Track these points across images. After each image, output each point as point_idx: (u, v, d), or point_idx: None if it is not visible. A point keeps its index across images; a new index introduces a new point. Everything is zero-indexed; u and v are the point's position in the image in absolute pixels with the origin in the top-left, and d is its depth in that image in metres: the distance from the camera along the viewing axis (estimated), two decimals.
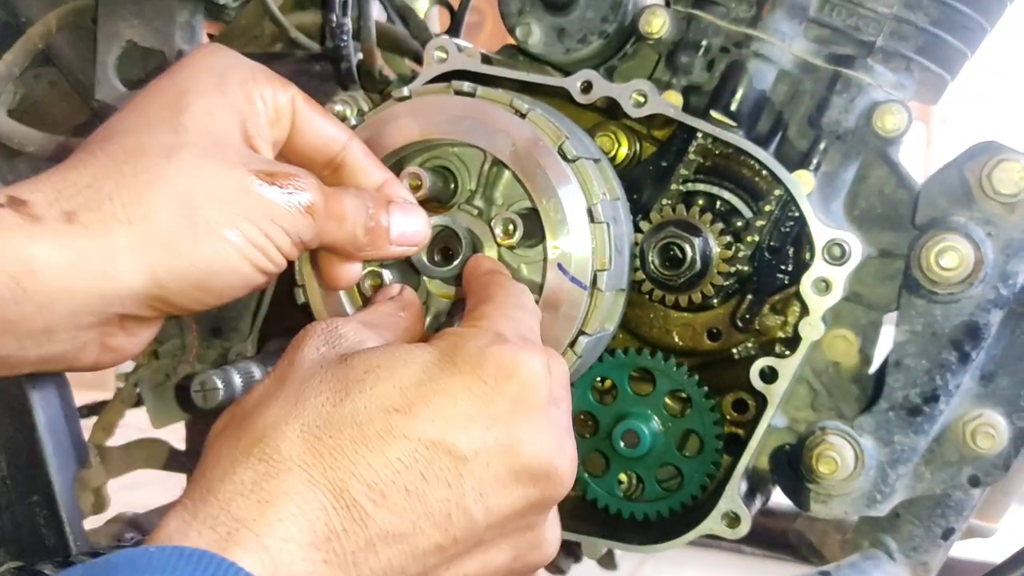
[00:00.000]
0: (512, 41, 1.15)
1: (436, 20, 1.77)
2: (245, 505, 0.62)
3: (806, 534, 1.33)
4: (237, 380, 0.91)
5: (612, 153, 1.09)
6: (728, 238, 1.05)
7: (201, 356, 1.33)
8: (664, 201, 1.07)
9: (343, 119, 1.02)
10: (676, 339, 1.10)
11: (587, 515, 1.10)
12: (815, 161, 1.06)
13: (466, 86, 0.99)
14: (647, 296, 1.07)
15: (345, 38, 1.31)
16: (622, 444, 1.06)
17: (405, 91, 1.00)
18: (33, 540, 1.18)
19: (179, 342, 1.36)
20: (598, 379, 1.09)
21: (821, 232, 1.00)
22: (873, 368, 1.12)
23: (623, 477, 1.10)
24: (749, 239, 1.06)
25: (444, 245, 0.98)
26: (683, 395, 1.07)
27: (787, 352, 1.03)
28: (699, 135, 1.06)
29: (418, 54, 1.51)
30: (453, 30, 1.57)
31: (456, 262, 0.97)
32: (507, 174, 1.00)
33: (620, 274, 0.99)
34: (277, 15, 1.40)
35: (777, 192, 1.05)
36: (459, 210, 1.00)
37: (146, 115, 0.79)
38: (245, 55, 0.87)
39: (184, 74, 0.82)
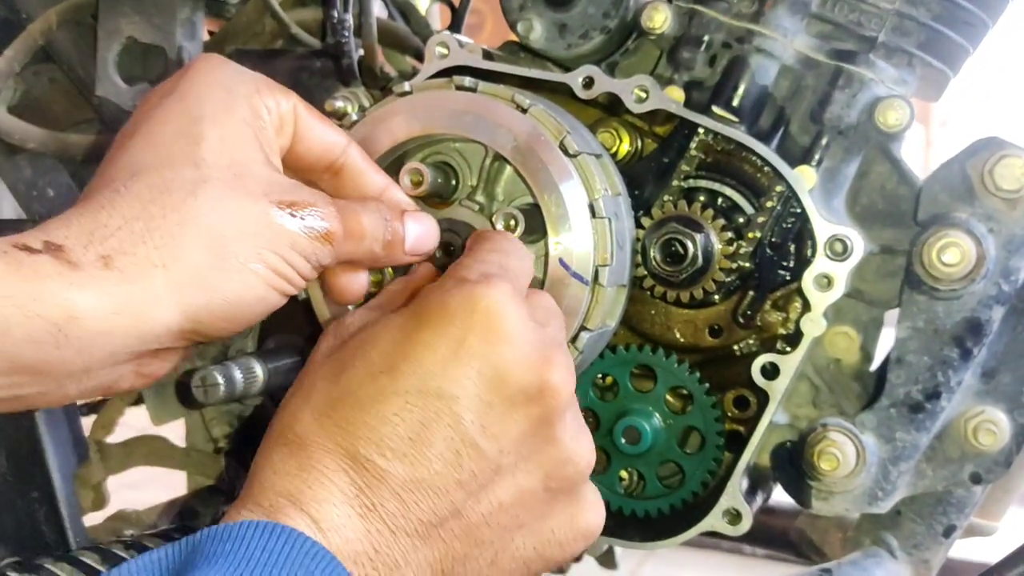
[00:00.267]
0: (513, 37, 1.15)
1: (437, 17, 1.77)
2: (279, 481, 0.71)
3: (807, 532, 1.33)
4: (238, 375, 0.92)
5: (614, 149, 1.09)
6: (730, 234, 1.04)
7: (201, 352, 1.33)
8: (666, 197, 1.07)
9: (344, 115, 1.02)
10: (677, 335, 1.10)
11: None
12: (817, 157, 1.06)
13: (467, 81, 0.99)
14: (648, 292, 1.06)
15: (346, 34, 1.31)
16: (623, 441, 1.06)
17: (406, 87, 1.00)
18: (33, 536, 1.18)
19: None
20: (599, 376, 1.08)
21: (823, 228, 1.00)
22: (875, 365, 1.12)
23: (624, 474, 1.09)
24: (751, 235, 1.05)
25: (446, 241, 0.98)
26: (684, 392, 1.07)
27: (789, 348, 1.03)
28: (701, 131, 1.06)
29: (419, 51, 1.51)
30: (454, 27, 1.57)
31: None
32: (508, 169, 1.00)
33: (622, 270, 0.99)
34: (278, 11, 1.40)
35: (779, 188, 1.04)
36: (460, 206, 1.00)
37: (164, 148, 0.80)
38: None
39: (192, 95, 0.83)
